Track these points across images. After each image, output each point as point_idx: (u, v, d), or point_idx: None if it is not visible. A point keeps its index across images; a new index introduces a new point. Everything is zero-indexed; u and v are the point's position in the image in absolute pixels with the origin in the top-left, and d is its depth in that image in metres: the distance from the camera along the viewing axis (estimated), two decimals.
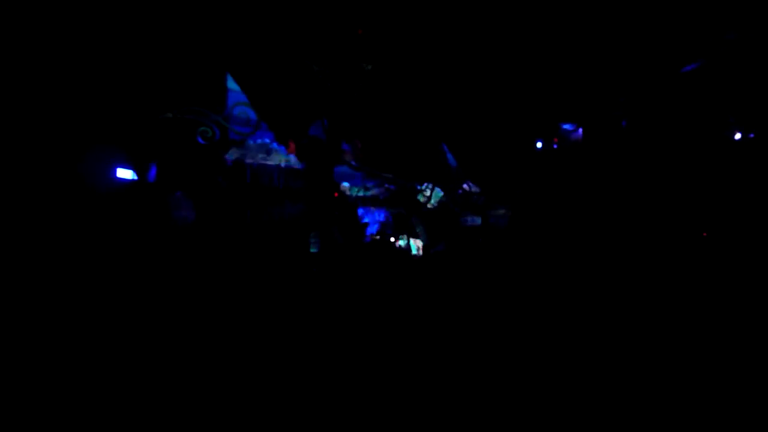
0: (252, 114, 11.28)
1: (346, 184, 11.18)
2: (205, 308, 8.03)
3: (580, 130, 11.55)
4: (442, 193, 11.49)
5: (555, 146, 11.59)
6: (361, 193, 11.09)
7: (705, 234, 9.79)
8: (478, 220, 11.39)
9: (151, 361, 5.50)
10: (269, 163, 10.99)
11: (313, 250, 10.94)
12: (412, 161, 11.52)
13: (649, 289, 8.69)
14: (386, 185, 11.26)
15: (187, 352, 5.86)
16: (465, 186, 11.48)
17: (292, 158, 11.12)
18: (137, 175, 10.82)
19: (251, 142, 11.04)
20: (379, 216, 10.80)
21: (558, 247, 11.03)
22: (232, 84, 11.28)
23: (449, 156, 11.69)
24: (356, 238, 10.83)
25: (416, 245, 10.90)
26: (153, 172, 10.97)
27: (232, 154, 10.94)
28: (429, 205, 11.43)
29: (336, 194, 11.02)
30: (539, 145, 11.50)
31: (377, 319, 7.72)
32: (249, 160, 10.92)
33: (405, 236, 10.96)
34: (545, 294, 8.93)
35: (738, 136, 10.66)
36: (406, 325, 7.29)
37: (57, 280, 8.31)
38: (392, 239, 11.18)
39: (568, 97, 11.78)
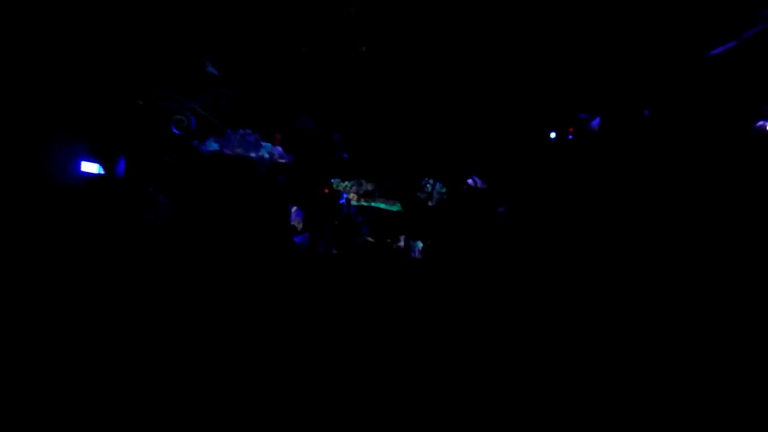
0: (233, 101, 10.17)
1: (337, 180, 10.13)
2: (177, 319, 7.39)
3: (598, 119, 10.41)
4: (444, 189, 10.48)
5: (570, 137, 10.47)
6: (354, 189, 10.04)
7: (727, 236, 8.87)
8: (485, 218, 10.35)
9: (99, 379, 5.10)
10: (252, 156, 9.93)
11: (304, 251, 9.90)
12: (412, 154, 10.46)
13: (672, 297, 8.09)
14: (382, 180, 10.22)
15: (151, 370, 5.41)
16: (470, 181, 10.42)
17: (278, 151, 10.05)
18: (104, 169, 9.99)
19: (232, 133, 9.91)
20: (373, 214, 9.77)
21: (572, 248, 10.20)
22: (210, 68, 10.19)
23: (452, 148, 10.61)
24: (349, 239, 9.80)
25: (415, 245, 9.88)
26: (121, 166, 10.16)
27: (211, 146, 9.88)
28: (430, 202, 10.40)
29: (327, 190, 9.98)
30: (553, 135, 10.42)
31: (373, 332, 7.25)
32: (229, 153, 9.84)
33: (403, 237, 9.93)
34: (556, 300, 8.48)
35: None
36: (404, 335, 7.01)
37: (10, 287, 7.47)
38: (389, 240, 10.13)
39: (585, 83, 10.72)
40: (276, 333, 6.85)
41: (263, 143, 10.08)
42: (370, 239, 10.21)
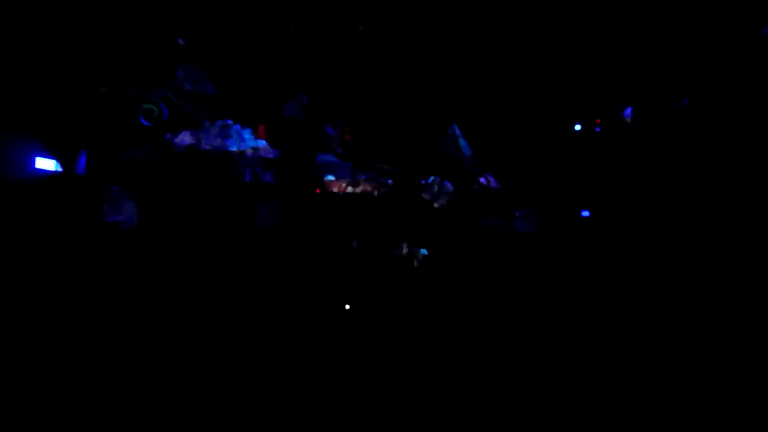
0: (211, 88, 9.06)
1: (330, 178, 8.90)
2: (144, 338, 6.86)
3: (630, 109, 9.55)
4: (452, 189, 9.24)
5: (597, 129, 9.20)
6: (350, 190, 8.83)
7: None
8: (499, 223, 9.13)
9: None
10: (233, 150, 8.72)
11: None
12: (415, 149, 9.21)
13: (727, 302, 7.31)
14: (382, 179, 8.97)
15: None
16: (482, 180, 9.15)
17: (263, 145, 8.81)
18: (62, 165, 8.91)
19: (209, 125, 8.66)
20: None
21: (601, 258, 9.07)
22: (185, 50, 8.97)
23: (462, 142, 9.33)
24: (344, 247, 8.65)
25: (419, 254, 8.72)
26: (82, 163, 9.01)
27: (185, 140, 8.84)
28: (436, 204, 9.19)
29: (318, 190, 8.77)
30: (578, 128, 9.17)
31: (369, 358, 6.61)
32: (207, 147, 8.64)
33: (405, 244, 8.78)
34: (583, 321, 7.61)
35: None
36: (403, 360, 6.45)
37: None
38: (389, 248, 8.94)
39: (615, 66, 9.50)
40: (256, 363, 6.34)
41: (246, 135, 8.84)
42: (368, 246, 8.95)
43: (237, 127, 9.30)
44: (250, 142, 9.29)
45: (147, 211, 9.01)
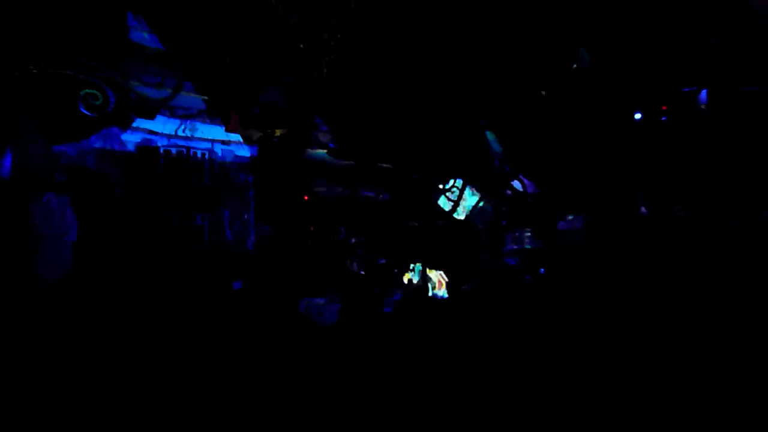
0: (170, 68, 7.19)
1: (322, 182, 7.13)
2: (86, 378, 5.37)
3: (704, 93, 7.67)
4: (478, 196, 7.37)
5: (664, 119, 7.23)
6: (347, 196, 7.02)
7: None
8: (537, 238, 7.32)
9: None
10: (197, 147, 6.93)
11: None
12: (430, 146, 7.38)
13: None
14: (389, 183, 7.16)
15: None
16: (515, 184, 7.26)
17: (235, 139, 7.00)
18: None
19: (168, 114, 6.90)
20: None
21: (666, 279, 7.04)
22: (135, 23, 7.24)
23: (490, 136, 7.41)
24: (339, 269, 6.83)
25: (435, 280, 6.88)
26: (7, 164, 7.28)
27: (137, 133, 6.93)
28: (457, 215, 7.37)
29: (306, 197, 6.96)
30: (638, 116, 7.29)
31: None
32: (165, 143, 6.88)
33: (418, 265, 6.90)
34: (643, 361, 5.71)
35: None
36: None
37: None
38: (396, 270, 6.93)
39: (682, 43, 7.64)
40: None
41: (214, 128, 7.02)
42: (371, 266, 7.07)
43: (203, 117, 7.77)
44: (219, 136, 7.64)
45: (90, 223, 7.31)
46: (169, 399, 5.83)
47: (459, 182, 8.12)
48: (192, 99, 7.89)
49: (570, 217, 7.74)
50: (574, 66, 7.75)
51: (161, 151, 7.68)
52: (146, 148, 7.75)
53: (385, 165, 7.59)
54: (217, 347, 6.80)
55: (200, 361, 6.39)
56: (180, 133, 7.77)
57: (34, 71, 7.74)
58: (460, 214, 8.03)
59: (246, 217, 7.70)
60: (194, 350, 6.77)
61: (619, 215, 7.56)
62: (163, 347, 6.77)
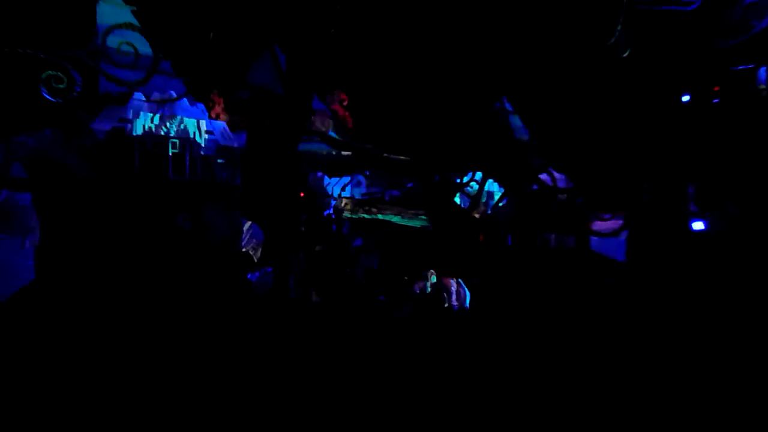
0: (144, 46, 6.31)
1: (321, 176, 6.31)
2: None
3: (763, 71, 6.67)
4: (501, 192, 6.49)
5: (716, 101, 6.77)
6: (349, 193, 6.15)
7: None
8: (570, 241, 6.45)
9: None
10: (176, 137, 6.07)
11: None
12: (446, 133, 6.48)
13: None
14: (397, 177, 6.31)
15: None
16: (544, 177, 6.32)
17: (220, 128, 6.12)
18: None
19: (142, 99, 6.62)
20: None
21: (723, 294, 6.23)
22: None
23: (515, 121, 6.48)
24: (340, 278, 5.96)
25: (453, 291, 6.06)
26: None
27: (108, 120, 6.54)
28: (476, 213, 6.48)
29: (302, 194, 6.09)
30: (686, 99, 6.33)
31: None
32: (139, 132, 6.01)
33: (432, 274, 6.02)
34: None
35: None
36: None
37: None
38: (407, 278, 6.54)
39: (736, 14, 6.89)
40: None
41: (196, 114, 6.16)
42: (377, 276, 6.21)
43: (183, 102, 6.94)
44: (202, 123, 6.79)
45: (53, 223, 6.48)
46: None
47: (479, 176, 7.23)
48: (170, 81, 7.07)
49: (607, 216, 6.83)
50: (612, 41, 6.83)
51: (135, 141, 6.88)
52: (118, 138, 6.92)
53: (393, 156, 6.72)
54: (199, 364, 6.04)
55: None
56: (157, 120, 6.93)
57: None
58: (480, 213, 7.13)
59: (233, 215, 6.85)
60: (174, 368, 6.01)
61: (665, 213, 6.64)
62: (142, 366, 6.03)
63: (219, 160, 7.04)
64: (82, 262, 6.86)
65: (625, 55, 7.31)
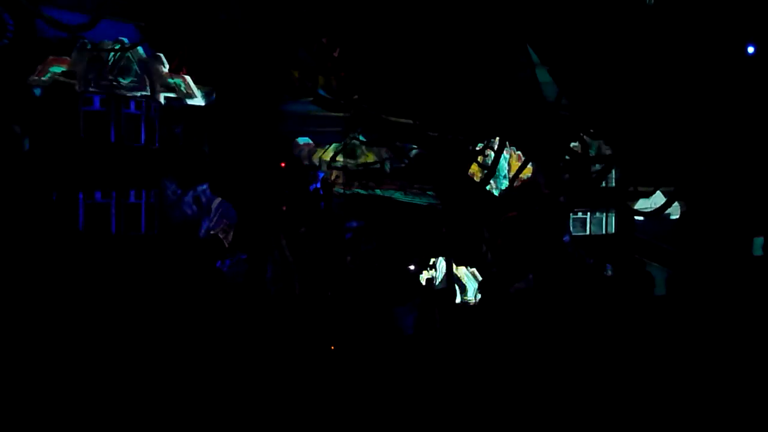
0: None
1: (306, 141, 5.21)
2: None
3: None
4: (522, 161, 5.47)
5: None
6: (340, 164, 5.09)
7: None
8: (602, 223, 5.50)
9: None
10: (130, 94, 5.13)
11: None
12: (456, 89, 5.49)
13: None
14: (399, 144, 5.30)
15: None
16: (575, 145, 5.28)
17: (183, 83, 5.18)
18: None
19: (88, 47, 5.09)
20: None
21: None
22: None
23: (543, 79, 5.43)
24: (332, 263, 4.89)
25: (464, 279, 5.02)
26: None
27: (48, 74, 5.13)
28: (494, 188, 5.41)
29: (283, 164, 5.08)
30: (751, 50, 5.34)
31: None
32: (84, 87, 5.08)
33: (441, 259, 4.89)
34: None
35: None
36: None
37: None
38: (412, 267, 5.42)
39: None
40: None
41: (155, 66, 5.14)
42: (373, 261, 5.32)
43: (139, 50, 5.86)
44: (161, 78, 5.74)
45: None
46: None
47: (495, 142, 6.22)
48: (122, 26, 6.00)
49: (654, 196, 5.81)
50: None
51: (81, 100, 5.84)
52: (59, 96, 5.90)
53: (394, 119, 5.71)
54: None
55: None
56: (107, 74, 5.89)
57: None
58: (498, 187, 6.15)
59: (199, 189, 5.87)
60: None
61: (727, 193, 5.61)
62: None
63: (182, 123, 6.00)
64: (13, 241, 5.96)
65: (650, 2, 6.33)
